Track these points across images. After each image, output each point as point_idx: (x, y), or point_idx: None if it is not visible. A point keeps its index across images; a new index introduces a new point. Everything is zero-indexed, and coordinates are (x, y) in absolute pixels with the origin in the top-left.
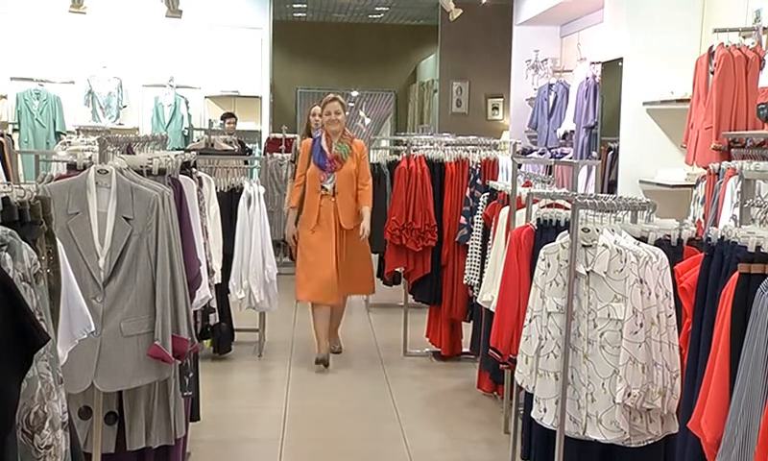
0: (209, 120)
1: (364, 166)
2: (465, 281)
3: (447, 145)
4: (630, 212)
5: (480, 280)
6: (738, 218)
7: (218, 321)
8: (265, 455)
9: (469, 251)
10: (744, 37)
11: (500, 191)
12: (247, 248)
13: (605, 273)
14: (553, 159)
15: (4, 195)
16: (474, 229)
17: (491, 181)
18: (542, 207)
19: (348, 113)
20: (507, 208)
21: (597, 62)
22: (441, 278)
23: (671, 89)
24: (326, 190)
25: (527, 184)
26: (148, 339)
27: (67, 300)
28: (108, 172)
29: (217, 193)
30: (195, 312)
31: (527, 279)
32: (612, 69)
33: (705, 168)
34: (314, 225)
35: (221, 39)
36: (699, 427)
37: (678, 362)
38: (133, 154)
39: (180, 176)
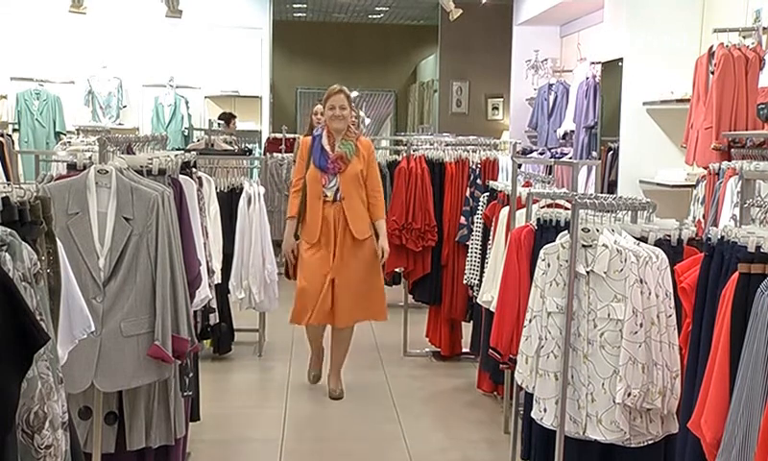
0: (209, 120)
1: (374, 170)
2: (465, 281)
3: (447, 145)
4: (630, 212)
5: (480, 280)
6: (738, 218)
7: (218, 321)
8: (265, 455)
9: (469, 251)
10: (744, 37)
11: (500, 191)
12: (247, 248)
13: (605, 273)
14: (553, 159)
15: (4, 195)
16: (474, 229)
17: (491, 182)
18: (542, 207)
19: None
20: (507, 208)
21: (597, 62)
22: (441, 278)
23: (671, 89)
24: (327, 196)
25: (527, 184)
26: (148, 339)
27: (67, 300)
28: (108, 172)
29: (217, 193)
30: (195, 312)
31: (527, 279)
32: (612, 69)
33: (705, 168)
34: (317, 238)
35: (221, 39)
36: (699, 427)
37: (678, 362)
38: (133, 154)
39: (180, 176)
